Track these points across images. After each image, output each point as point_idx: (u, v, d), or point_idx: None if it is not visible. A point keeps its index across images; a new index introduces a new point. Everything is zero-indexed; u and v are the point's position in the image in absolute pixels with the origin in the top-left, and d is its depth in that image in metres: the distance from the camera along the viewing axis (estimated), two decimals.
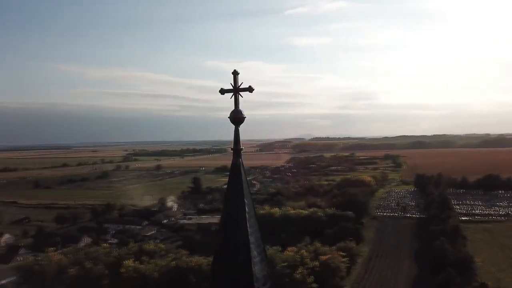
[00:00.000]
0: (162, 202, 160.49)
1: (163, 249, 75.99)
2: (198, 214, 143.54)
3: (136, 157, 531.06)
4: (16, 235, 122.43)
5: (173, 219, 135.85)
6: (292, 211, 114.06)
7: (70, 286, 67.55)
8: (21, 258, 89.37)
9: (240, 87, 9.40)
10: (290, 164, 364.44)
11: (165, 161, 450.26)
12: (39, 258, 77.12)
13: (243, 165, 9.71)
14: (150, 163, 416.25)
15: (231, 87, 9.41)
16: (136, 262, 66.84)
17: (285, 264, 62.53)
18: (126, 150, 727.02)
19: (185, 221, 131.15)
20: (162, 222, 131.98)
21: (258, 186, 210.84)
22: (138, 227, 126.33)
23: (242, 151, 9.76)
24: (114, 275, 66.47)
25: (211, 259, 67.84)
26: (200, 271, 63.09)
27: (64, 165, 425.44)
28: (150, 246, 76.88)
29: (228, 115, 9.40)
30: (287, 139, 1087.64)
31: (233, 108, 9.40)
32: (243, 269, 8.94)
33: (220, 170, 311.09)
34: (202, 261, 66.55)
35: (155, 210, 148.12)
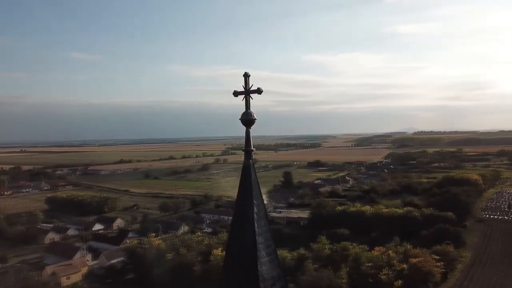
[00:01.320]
0: None
1: None
2: (288, 208, 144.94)
3: (234, 151, 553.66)
4: (127, 220, 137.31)
5: None
6: (384, 210, 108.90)
7: (166, 269, 73.82)
8: (129, 241, 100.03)
9: (251, 89, 9.56)
10: (388, 160, 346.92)
11: (260, 155, 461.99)
12: (143, 242, 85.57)
13: (254, 166, 9.86)
14: None
15: (243, 89, 9.62)
16: (224, 251, 70.23)
17: (370, 264, 60.26)
18: (225, 144, 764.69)
19: (275, 214, 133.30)
20: None
21: (351, 182, 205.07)
22: (231, 217, 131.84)
23: (253, 153, 9.88)
24: (204, 262, 70.98)
25: (295, 253, 68.31)
26: (282, 264, 63.89)
27: (171, 157, 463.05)
28: None
29: (240, 117, 9.62)
30: (387, 133, 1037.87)
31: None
32: (249, 269, 9.13)
33: (312, 165, 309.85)
34: (285, 254, 67.47)
35: None
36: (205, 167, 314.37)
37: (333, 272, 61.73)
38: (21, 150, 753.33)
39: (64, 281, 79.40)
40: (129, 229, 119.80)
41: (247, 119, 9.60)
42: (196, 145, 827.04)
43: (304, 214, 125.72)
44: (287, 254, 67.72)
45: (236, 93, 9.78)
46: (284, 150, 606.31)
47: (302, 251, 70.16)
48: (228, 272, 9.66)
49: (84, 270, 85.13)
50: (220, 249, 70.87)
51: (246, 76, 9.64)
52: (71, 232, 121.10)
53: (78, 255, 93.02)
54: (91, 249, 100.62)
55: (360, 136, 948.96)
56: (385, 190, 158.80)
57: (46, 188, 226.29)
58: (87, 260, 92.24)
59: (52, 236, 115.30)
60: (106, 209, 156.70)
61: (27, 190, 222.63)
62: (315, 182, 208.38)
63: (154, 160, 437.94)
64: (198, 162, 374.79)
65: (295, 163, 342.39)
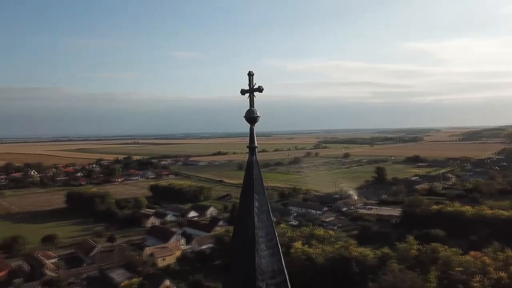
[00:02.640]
0: (344, 189, 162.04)
1: (332, 236, 77.62)
2: (379, 204, 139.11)
3: (326, 145, 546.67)
4: (219, 209, 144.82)
5: (352, 207, 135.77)
6: (488, 211, 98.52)
7: None
8: (219, 229, 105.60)
9: (254, 87, 9.86)
10: (500, 156, 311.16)
11: (354, 149, 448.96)
12: (229, 230, 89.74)
13: (257, 162, 10.16)
14: (339, 150, 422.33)
15: (248, 88, 9.96)
16: (305, 245, 70.57)
17: (460, 269, 55.41)
18: (318, 138, 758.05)
19: (364, 210, 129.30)
20: (342, 209, 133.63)
21: (453, 180, 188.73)
22: (318, 212, 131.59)
23: (256, 149, 10.16)
24: (285, 254, 72.08)
25: (378, 251, 65.59)
26: (364, 262, 62.10)
27: (263, 150, 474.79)
28: (320, 231, 79.71)
29: (244, 115, 9.98)
30: (501, 126, 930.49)
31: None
32: (248, 261, 9.50)
33: (411, 160, 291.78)
34: (368, 252, 65.28)
35: (336, 197, 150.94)
36: (295, 160, 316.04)
37: (420, 275, 58.03)
38: (134, 141, 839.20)
39: (160, 262, 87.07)
40: (220, 217, 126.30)
41: (250, 117, 9.92)
42: (288, 138, 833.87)
43: (396, 212, 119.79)
44: (369, 252, 65.35)
45: (243, 92, 10.15)
46: (381, 144, 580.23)
47: (386, 250, 67.08)
48: (232, 264, 10.16)
49: (178, 253, 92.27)
50: (300, 242, 71.29)
51: (250, 75, 9.94)
52: (169, 217, 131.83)
53: (173, 239, 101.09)
54: (185, 234, 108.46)
55: (468, 130, 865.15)
56: (492, 189, 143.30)
57: (151, 176, 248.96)
58: (181, 244, 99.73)
59: (153, 221, 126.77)
60: (201, 198, 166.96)
61: (136, 178, 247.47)
62: (411, 178, 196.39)
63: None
64: (289, 155, 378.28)
65: (392, 158, 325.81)
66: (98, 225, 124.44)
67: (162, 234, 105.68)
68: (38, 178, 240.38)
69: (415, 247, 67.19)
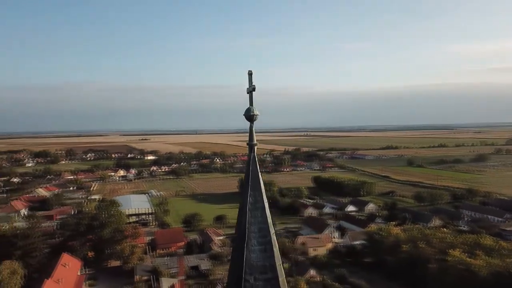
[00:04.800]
0: None
1: (504, 248, 65.78)
2: None
3: None
4: (379, 205, 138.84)
5: None
6: None
7: (401, 260, 71.70)
8: (374, 226, 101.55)
9: (251, 86, 10.15)
10: None
11: None
12: (381, 228, 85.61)
13: (255, 159, 10.36)
14: None
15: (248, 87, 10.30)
16: (465, 254, 62.16)
17: None
18: None
19: None
20: None
21: None
22: (498, 218, 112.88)
23: (255, 147, 10.35)
24: (441, 261, 64.83)
25: None
26: None
27: (441, 145, 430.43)
28: (487, 240, 68.61)
29: (243, 113, 10.34)
30: None
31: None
32: (238, 255, 9.95)
33: None
34: None
35: None
36: (480, 158, 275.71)
37: None
38: (305, 134, 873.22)
39: (311, 251, 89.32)
40: (378, 214, 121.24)
41: (248, 115, 10.25)
42: (475, 132, 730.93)
43: None
44: None
45: (248, 91, 10.54)
46: None
47: None
48: (231, 258, 10.72)
49: (329, 245, 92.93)
50: (459, 250, 63.07)
51: (249, 74, 10.22)
52: (326, 209, 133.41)
53: (327, 231, 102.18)
54: (339, 228, 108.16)
55: None
56: None
57: (316, 168, 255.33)
58: (334, 237, 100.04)
59: (310, 211, 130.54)
60: (362, 193, 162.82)
61: (302, 168, 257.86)
62: None
63: (423, 147, 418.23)
64: (473, 151, 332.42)
65: None
66: None
67: (317, 225, 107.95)
68: (220, 165, 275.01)
69: None
